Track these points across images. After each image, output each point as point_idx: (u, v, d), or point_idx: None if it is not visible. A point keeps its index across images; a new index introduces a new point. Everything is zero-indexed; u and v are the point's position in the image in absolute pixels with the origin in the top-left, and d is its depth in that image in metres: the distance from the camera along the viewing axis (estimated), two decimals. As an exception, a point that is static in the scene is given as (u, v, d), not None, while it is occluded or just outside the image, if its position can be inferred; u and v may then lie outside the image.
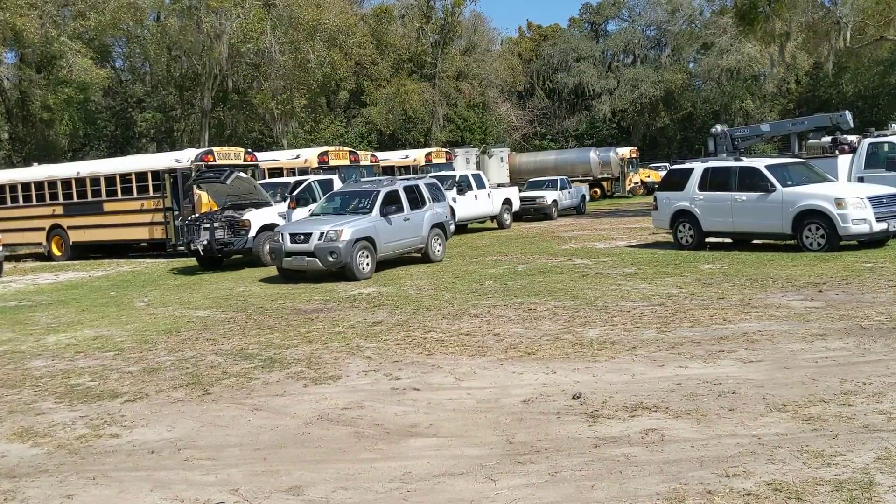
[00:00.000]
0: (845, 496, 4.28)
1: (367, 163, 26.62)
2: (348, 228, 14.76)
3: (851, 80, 52.35)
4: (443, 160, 32.32)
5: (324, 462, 5.50)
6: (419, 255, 17.28)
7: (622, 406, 6.23)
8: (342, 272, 14.86)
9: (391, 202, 16.23)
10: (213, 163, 21.43)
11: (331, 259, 14.55)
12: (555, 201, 31.34)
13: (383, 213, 15.77)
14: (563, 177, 35.10)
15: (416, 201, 16.99)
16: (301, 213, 18.95)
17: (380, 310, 11.49)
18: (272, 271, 16.95)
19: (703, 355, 7.66)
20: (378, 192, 15.94)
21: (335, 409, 6.70)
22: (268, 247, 16.79)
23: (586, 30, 66.71)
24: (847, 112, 20.95)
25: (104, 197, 23.50)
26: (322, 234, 14.68)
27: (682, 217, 17.06)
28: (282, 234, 15.26)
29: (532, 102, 62.00)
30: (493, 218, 27.49)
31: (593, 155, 42.58)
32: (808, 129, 22.22)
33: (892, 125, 18.66)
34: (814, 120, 22.49)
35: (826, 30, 33.81)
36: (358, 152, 27.22)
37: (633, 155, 45.88)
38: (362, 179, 20.09)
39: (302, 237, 14.87)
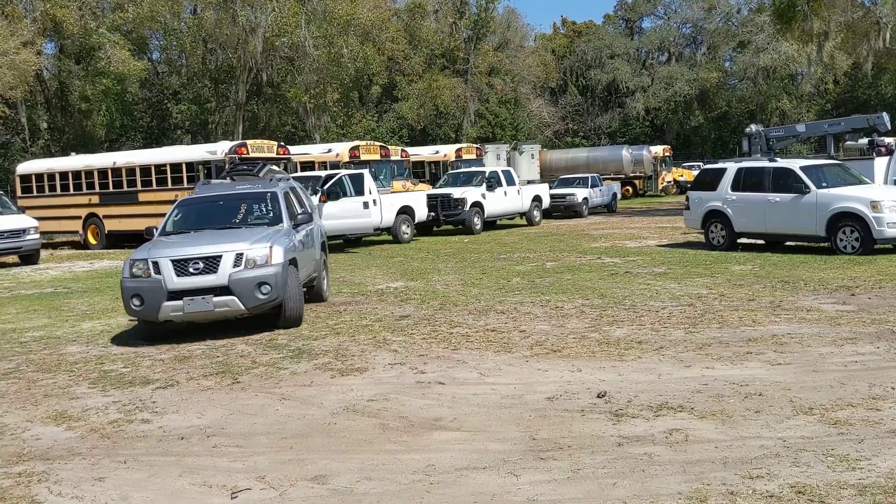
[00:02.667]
0: (869, 500, 4.25)
1: (398, 158, 26.70)
2: (277, 247, 9.69)
3: (891, 81, 51.39)
4: (473, 156, 32.32)
5: (349, 452, 5.58)
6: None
7: (647, 405, 6.23)
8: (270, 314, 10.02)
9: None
10: (247, 155, 21.65)
11: (262, 295, 9.46)
12: (585, 199, 31.21)
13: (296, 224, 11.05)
14: (595, 174, 34.95)
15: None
16: (334, 207, 19.08)
17: (407, 304, 11.57)
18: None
19: (731, 357, 7.62)
20: (276, 193, 11.20)
21: (361, 401, 6.77)
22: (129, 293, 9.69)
23: (621, 27, 66.25)
24: (885, 114, 20.58)
25: (139, 187, 23.86)
26: (239, 255, 9.41)
27: (714, 217, 16.93)
28: (153, 264, 9.36)
29: (565, 99, 61.71)
30: (522, 215, 27.45)
31: (625, 153, 42.31)
32: (844, 130, 21.88)
33: (931, 128, 18.33)
34: (850, 121, 22.14)
35: (865, 30, 33.26)
36: (388, 147, 27.32)
37: (667, 153, 45.52)
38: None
39: (201, 265, 9.33)
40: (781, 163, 16.30)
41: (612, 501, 4.52)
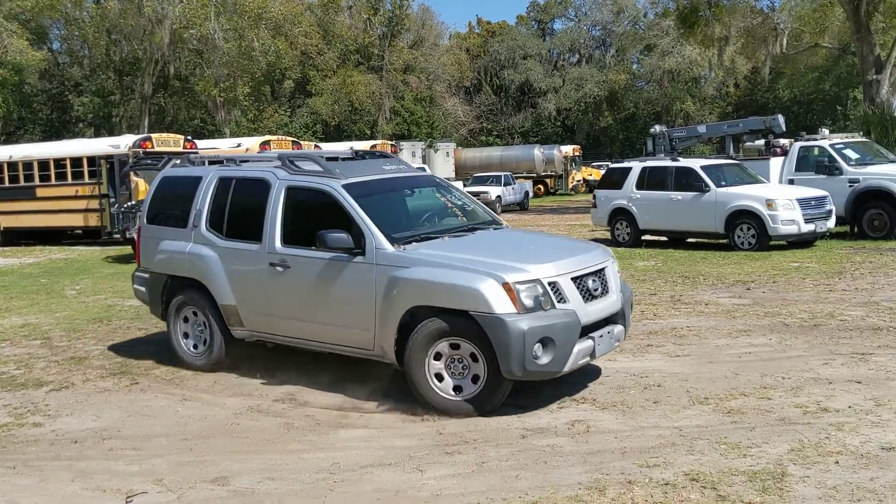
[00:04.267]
0: (758, 486, 4.43)
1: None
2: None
3: (787, 85, 53.80)
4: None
5: (252, 452, 5.47)
6: None
7: (551, 398, 6.33)
8: None
9: None
10: (152, 150, 20.98)
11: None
12: (499, 197, 31.60)
13: None
14: (508, 173, 35.43)
15: None
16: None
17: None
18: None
19: (633, 349, 7.82)
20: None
21: (266, 401, 6.66)
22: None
23: (534, 28, 67.24)
24: (780, 116, 21.55)
25: (37, 182, 22.81)
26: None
27: (619, 215, 17.37)
28: (549, 286, 5.93)
29: (479, 98, 62.23)
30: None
31: (537, 152, 43.00)
32: (742, 131, 22.80)
33: (823, 130, 19.22)
34: (748, 123, 23.09)
35: (764, 35, 34.67)
36: (301, 142, 26.96)
37: (577, 153, 46.44)
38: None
39: (598, 283, 6.37)
40: (683, 162, 16.85)
41: (515, 493, 4.58)
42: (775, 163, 17.75)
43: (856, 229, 16.38)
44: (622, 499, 4.40)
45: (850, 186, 16.22)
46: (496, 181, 33.00)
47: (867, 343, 7.64)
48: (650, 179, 16.95)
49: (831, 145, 17.03)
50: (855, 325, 8.43)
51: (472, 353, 5.88)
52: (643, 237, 17.19)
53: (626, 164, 18.32)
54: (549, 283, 5.92)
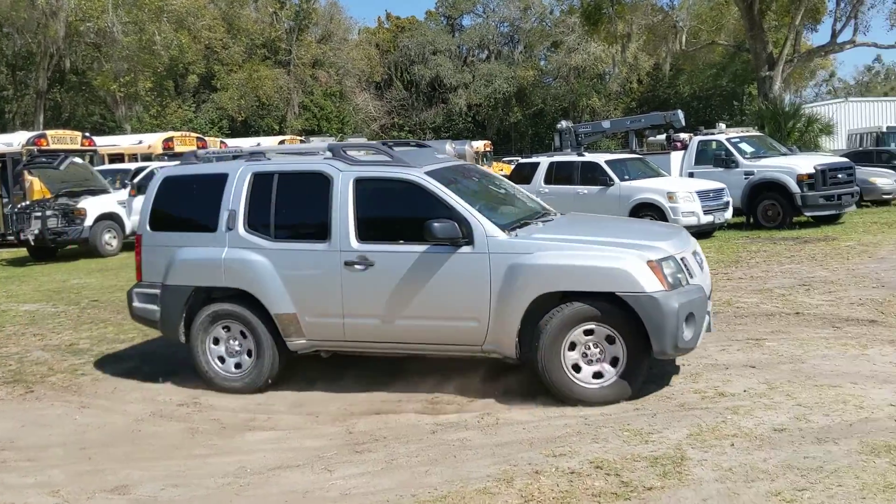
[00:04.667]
0: (659, 471, 4.57)
1: (217, 149, 25.74)
2: None
3: (688, 81, 55.68)
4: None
5: (154, 459, 5.32)
6: None
7: (466, 391, 6.36)
8: None
9: None
10: (47, 147, 20.08)
11: None
12: (409, 192, 31.52)
13: None
14: (419, 168, 35.39)
15: None
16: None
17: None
18: (109, 262, 16.14)
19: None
20: None
21: (170, 406, 6.48)
22: None
23: (443, 23, 67.41)
24: (679, 111, 22.26)
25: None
26: None
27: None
28: (681, 261, 6.11)
29: (390, 93, 62.06)
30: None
31: (449, 147, 42.31)
32: (645, 126, 23.47)
33: (720, 125, 19.95)
34: (650, 118, 23.79)
35: (664, 33, 35.80)
36: (206, 139, 26.31)
37: (488, 148, 46.77)
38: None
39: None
40: (588, 157, 17.24)
41: (425, 488, 4.59)
42: (676, 157, 18.34)
43: (751, 220, 17.09)
44: (529, 489, 4.46)
45: (745, 179, 16.90)
46: (407, 177, 32.93)
47: (761, 329, 7.97)
48: (558, 174, 17.25)
49: (728, 139, 17.71)
50: (750, 312, 8.79)
51: (609, 336, 5.74)
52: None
53: (534, 160, 18.60)
54: (681, 259, 5.96)
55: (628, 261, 5.69)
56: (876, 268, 11.32)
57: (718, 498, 4.18)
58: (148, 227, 6.96)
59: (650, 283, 5.62)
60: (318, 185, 6.39)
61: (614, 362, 5.79)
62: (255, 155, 6.92)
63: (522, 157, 24.13)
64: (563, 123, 23.03)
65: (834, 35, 32.02)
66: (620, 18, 32.33)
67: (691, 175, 17.58)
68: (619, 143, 47.62)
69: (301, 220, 6.61)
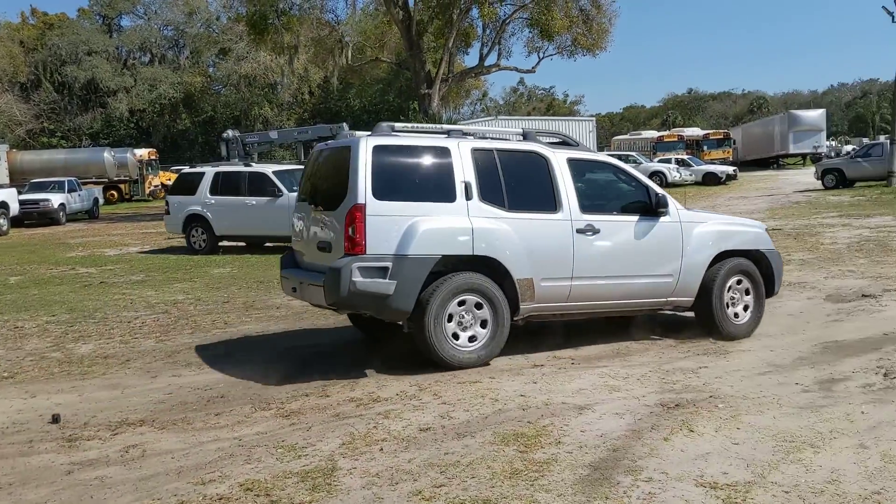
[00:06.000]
0: (309, 485, 4.56)
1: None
2: None
3: (357, 94, 57.59)
4: None
5: None
6: None
7: (106, 425, 5.85)
8: None
9: None
10: None
11: None
12: (62, 205, 28.93)
13: None
14: (73, 178, 32.50)
15: None
16: None
17: None
18: None
19: (198, 362, 7.62)
20: None
21: None
22: None
23: (98, 22, 62.53)
24: (345, 124, 22.93)
25: None
26: None
27: (194, 221, 16.96)
28: None
29: (38, 96, 56.08)
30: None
31: (108, 155, 40.18)
32: (312, 138, 23.79)
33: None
34: (317, 129, 24.19)
35: (331, 47, 36.59)
36: None
37: (153, 157, 44.33)
38: None
39: None
40: (256, 167, 17.04)
41: (53, 539, 4.12)
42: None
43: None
44: (173, 522, 4.20)
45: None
46: (59, 187, 30.04)
47: (416, 333, 8.39)
48: (224, 185, 16.83)
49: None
50: (407, 317, 9.24)
51: (748, 282, 7.75)
52: (221, 243, 16.99)
53: (199, 169, 17.97)
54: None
55: (762, 229, 8.16)
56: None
57: (365, 504, 4.27)
58: (372, 196, 6.40)
59: (772, 244, 8.13)
60: (537, 162, 7.10)
61: (746, 308, 7.75)
62: (453, 133, 7.15)
63: (191, 167, 23.23)
64: (230, 132, 22.53)
65: (482, 58, 35.13)
66: (287, 30, 32.45)
67: (357, 186, 18.14)
68: (294, 154, 47.88)
69: (528, 193, 7.05)
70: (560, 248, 6.98)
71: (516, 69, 37.67)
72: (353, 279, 6.33)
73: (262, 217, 16.15)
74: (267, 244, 17.08)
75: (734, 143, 53.06)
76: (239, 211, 16.41)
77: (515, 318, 6.95)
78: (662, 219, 7.40)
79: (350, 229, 6.39)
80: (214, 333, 8.84)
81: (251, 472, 4.81)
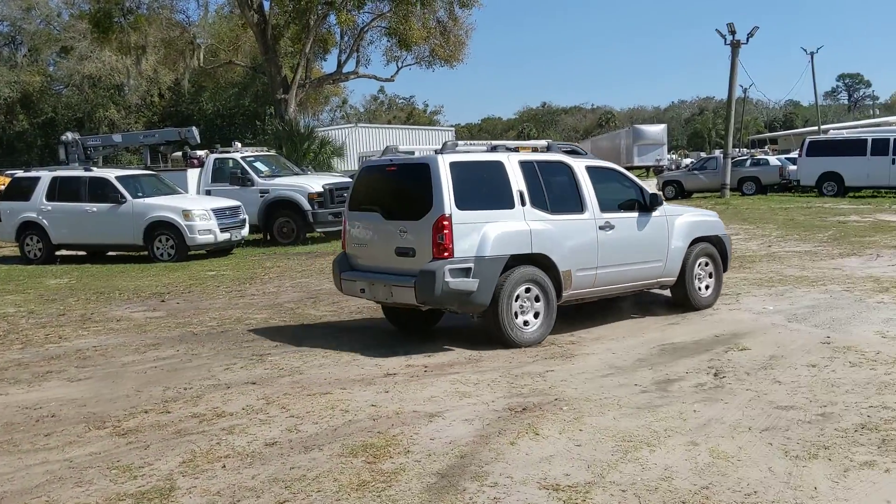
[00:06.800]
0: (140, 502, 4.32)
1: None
2: None
3: (211, 98, 55.70)
4: None
5: None
6: None
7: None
8: None
9: None
10: None
11: None
12: None
13: None
14: None
15: None
16: None
17: None
18: None
19: (29, 379, 7.11)
20: None
21: None
22: None
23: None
24: (194, 128, 22.07)
25: None
26: None
27: (29, 229, 15.91)
28: None
29: None
30: None
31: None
32: (159, 142, 22.86)
33: (236, 143, 20.28)
34: (164, 133, 23.25)
35: (182, 48, 35.26)
36: None
37: (-16, 160, 41.15)
38: None
39: None
40: (97, 172, 16.15)
41: None
42: (192, 174, 18.16)
43: (268, 237, 17.67)
44: (-11, 556, 3.87)
45: (261, 197, 17.43)
46: None
47: (267, 344, 8.18)
48: (63, 190, 15.86)
49: (243, 158, 18.09)
50: (259, 328, 9.00)
51: (712, 262, 9.36)
52: (58, 252, 15.97)
53: (34, 174, 16.85)
54: None
55: (718, 218, 9.80)
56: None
57: (205, 525, 4.09)
58: (455, 207, 7.38)
59: (725, 229, 9.86)
60: (564, 170, 8.32)
61: (711, 275, 9.37)
62: (497, 147, 8.36)
63: (25, 171, 21.74)
64: (69, 135, 21.23)
65: (340, 65, 34.88)
66: (134, 29, 31.00)
67: (209, 193, 17.55)
68: (141, 159, 45.81)
69: (562, 197, 8.16)
70: (589, 243, 8.22)
71: (375, 77, 37.58)
72: (446, 279, 7.27)
73: (105, 225, 15.34)
74: (110, 253, 16.21)
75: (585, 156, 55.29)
76: (78, 218, 15.49)
77: (559, 303, 8.04)
78: (654, 213, 8.79)
79: (439, 236, 7.36)
80: (48, 348, 8.27)
81: (81, 495, 4.51)
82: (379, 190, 8.34)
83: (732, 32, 28.92)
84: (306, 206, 17.18)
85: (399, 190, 8.12)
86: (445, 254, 7.34)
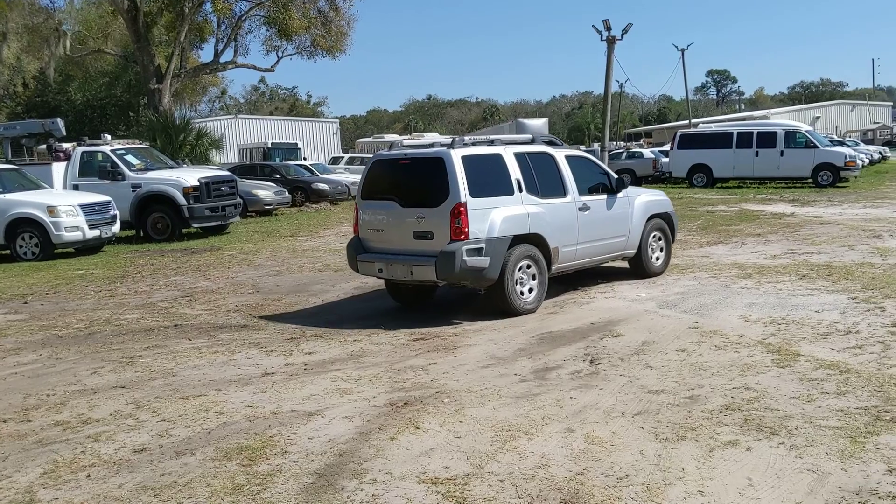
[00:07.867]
0: (-2, 524, 4.05)
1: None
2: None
3: (80, 88, 53.00)
4: None
5: None
6: None
7: None
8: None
9: None
10: None
11: None
12: None
13: None
14: None
15: None
16: None
17: None
18: None
19: None
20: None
21: None
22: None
23: None
24: (59, 119, 20.91)
25: None
26: None
27: None
28: None
29: None
30: None
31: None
32: (21, 134, 21.57)
33: (105, 135, 19.29)
34: (26, 125, 21.96)
35: (47, 35, 33.38)
36: None
37: None
38: None
39: None
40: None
41: None
42: (58, 168, 17.22)
43: (141, 233, 16.96)
44: None
45: (133, 191, 16.71)
46: None
47: (138, 345, 7.84)
48: None
49: (113, 151, 17.27)
50: (129, 329, 8.61)
51: (663, 235, 10.82)
52: None
53: None
54: None
55: (666, 197, 11.19)
56: (253, 274, 12.20)
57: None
58: (469, 195, 8.31)
59: (672, 207, 11.24)
60: (549, 159, 9.38)
61: (662, 249, 10.81)
62: (495, 141, 9.34)
63: None
64: None
65: (217, 55, 33.86)
66: (-7, 14, 29.09)
67: (76, 187, 16.69)
68: (2, 152, 43.06)
69: (548, 183, 9.16)
70: (571, 222, 9.32)
71: (255, 67, 36.71)
72: (464, 258, 8.22)
73: (-40, 222, 14.31)
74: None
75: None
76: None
77: (549, 275, 9.10)
78: (619, 195, 10.00)
79: (456, 221, 8.27)
80: None
81: (-75, 517, 4.18)
82: (393, 181, 9.05)
83: (608, 29, 29.88)
84: (181, 200, 16.59)
85: (415, 181, 8.85)
86: (462, 236, 8.30)
